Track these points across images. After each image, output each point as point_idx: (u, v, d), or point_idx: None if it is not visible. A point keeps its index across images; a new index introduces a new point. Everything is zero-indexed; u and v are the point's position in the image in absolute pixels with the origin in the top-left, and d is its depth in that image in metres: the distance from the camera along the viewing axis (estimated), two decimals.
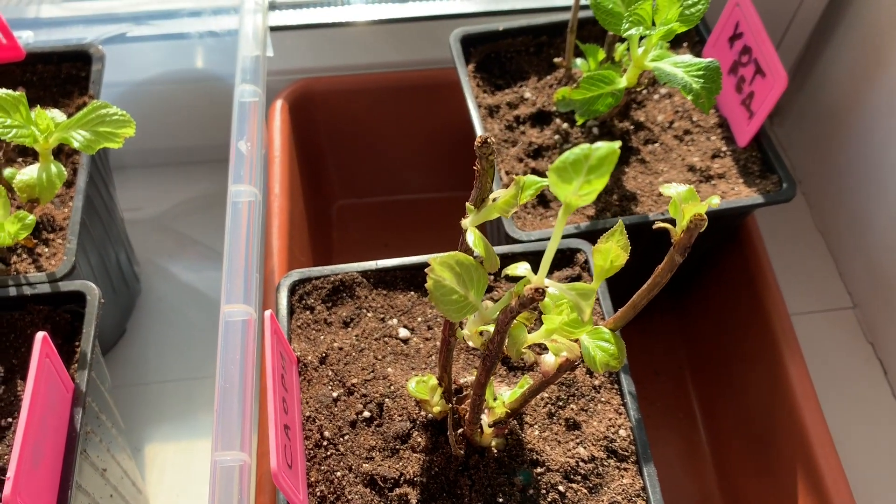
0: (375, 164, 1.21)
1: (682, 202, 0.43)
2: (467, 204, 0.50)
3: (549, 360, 0.57)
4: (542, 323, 0.54)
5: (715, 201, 0.45)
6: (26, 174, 0.71)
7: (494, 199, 0.48)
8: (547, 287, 0.42)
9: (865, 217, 1.11)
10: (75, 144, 0.71)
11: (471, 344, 0.53)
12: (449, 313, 0.46)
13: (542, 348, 0.71)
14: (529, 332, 0.52)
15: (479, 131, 0.91)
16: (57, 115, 0.73)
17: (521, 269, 0.44)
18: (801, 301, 1.14)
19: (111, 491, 0.81)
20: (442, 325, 0.72)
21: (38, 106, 0.70)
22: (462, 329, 0.62)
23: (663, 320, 1.12)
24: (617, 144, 0.36)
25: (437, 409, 0.68)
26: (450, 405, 0.66)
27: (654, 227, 0.51)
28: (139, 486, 0.94)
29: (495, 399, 0.67)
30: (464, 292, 0.46)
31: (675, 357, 1.10)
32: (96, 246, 0.93)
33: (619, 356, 0.51)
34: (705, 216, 0.43)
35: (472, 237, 0.47)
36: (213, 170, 1.24)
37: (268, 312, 0.67)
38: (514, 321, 0.49)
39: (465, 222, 0.49)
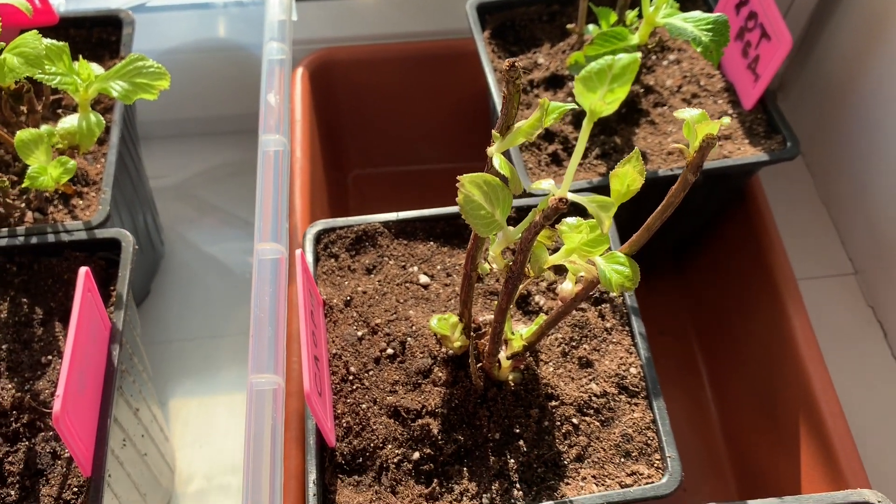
0: (392, 133, 1.25)
1: (694, 123, 0.47)
2: (493, 131, 0.53)
3: (568, 287, 0.61)
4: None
5: (726, 121, 0.48)
6: (67, 122, 0.75)
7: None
8: (569, 198, 0.46)
9: (867, 186, 1.14)
10: (114, 94, 0.74)
11: (495, 267, 0.57)
12: (478, 227, 0.50)
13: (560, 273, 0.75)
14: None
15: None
16: (95, 68, 0.77)
17: (545, 184, 0.47)
18: (804, 267, 1.17)
19: (143, 431, 0.85)
20: (462, 271, 0.76)
21: (81, 56, 0.74)
22: (484, 262, 0.65)
23: (668, 282, 1.16)
24: (638, 55, 0.40)
25: (457, 344, 0.72)
26: (470, 340, 0.70)
27: (670, 147, 0.55)
28: (166, 434, 0.97)
29: (513, 334, 0.70)
30: (490, 209, 0.50)
31: (680, 318, 1.13)
32: (126, 203, 0.97)
33: (634, 278, 0.55)
34: (716, 135, 0.47)
35: (499, 161, 0.51)
36: (237, 140, 1.28)
37: (298, 251, 0.70)
38: (536, 241, 0.52)
39: (491, 149, 0.53)
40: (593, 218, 0.53)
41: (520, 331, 0.71)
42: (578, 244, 0.53)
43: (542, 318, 0.70)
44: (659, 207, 0.53)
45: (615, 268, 0.55)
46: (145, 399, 0.86)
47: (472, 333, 0.71)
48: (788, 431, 0.91)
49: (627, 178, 0.51)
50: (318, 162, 1.09)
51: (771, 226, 0.97)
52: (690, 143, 0.47)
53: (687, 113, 0.47)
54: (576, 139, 0.93)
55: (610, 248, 0.56)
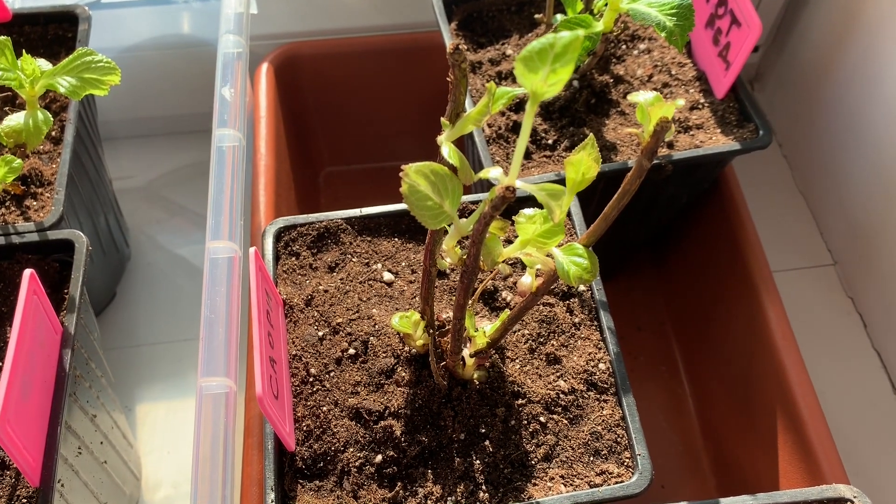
0: (363, 130, 1.22)
1: (648, 106, 0.45)
2: (442, 119, 0.51)
3: (526, 282, 0.59)
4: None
5: (680, 103, 0.46)
6: (13, 120, 0.72)
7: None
8: (517, 186, 0.44)
9: (844, 176, 1.13)
10: (61, 90, 0.72)
11: (448, 262, 0.55)
12: (424, 219, 0.47)
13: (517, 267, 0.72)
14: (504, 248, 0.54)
15: (479, 145, 0.92)
16: (43, 63, 0.74)
17: (493, 172, 0.45)
18: (783, 259, 1.16)
19: (101, 438, 0.82)
20: None
21: (24, 51, 0.72)
22: (443, 258, 0.63)
23: (645, 276, 1.14)
24: (580, 32, 0.37)
25: (419, 342, 0.70)
26: (431, 337, 0.68)
27: (624, 131, 0.53)
28: (130, 440, 0.95)
29: (476, 330, 0.68)
30: (439, 200, 0.48)
31: (657, 312, 1.12)
32: (85, 204, 0.94)
33: (592, 270, 0.53)
34: (670, 119, 0.45)
35: (448, 150, 0.49)
36: (204, 139, 1.24)
37: (252, 249, 0.68)
38: (489, 233, 0.50)
39: (441, 138, 0.51)
40: None
41: (484, 327, 0.68)
42: (533, 235, 0.51)
43: (506, 314, 0.68)
44: (615, 196, 0.50)
45: (574, 259, 0.53)
46: (104, 405, 0.84)
47: (434, 331, 0.68)
48: (766, 426, 0.90)
49: (582, 165, 0.48)
50: (284, 159, 1.07)
51: (745, 216, 0.95)
52: (645, 127, 0.45)
53: (641, 96, 0.45)
54: (545, 131, 0.91)
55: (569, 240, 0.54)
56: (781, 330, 0.87)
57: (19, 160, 0.72)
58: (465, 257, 0.53)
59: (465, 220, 0.51)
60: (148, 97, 1.19)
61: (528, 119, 0.41)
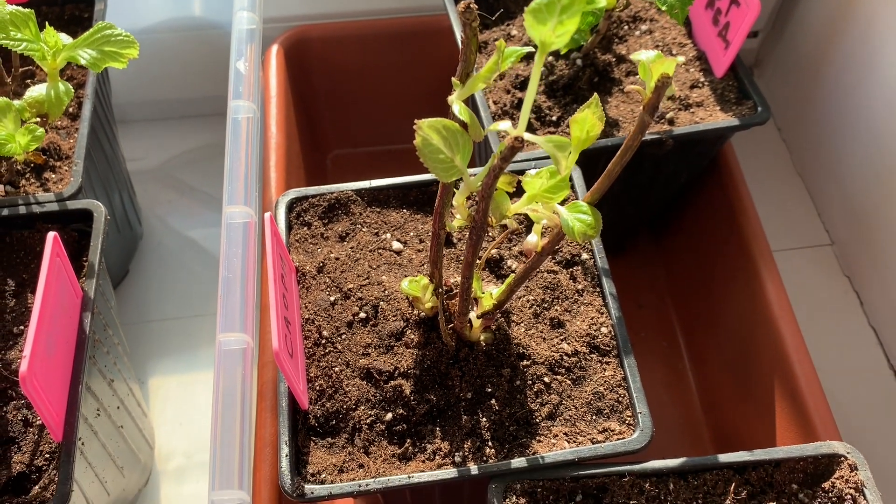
0: (370, 112, 1.25)
1: (650, 64, 0.47)
2: (453, 79, 0.54)
3: (532, 241, 0.61)
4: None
5: (680, 59, 0.49)
6: (35, 91, 0.75)
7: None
8: (525, 137, 0.46)
9: (842, 159, 1.15)
10: (82, 61, 0.74)
11: (457, 222, 0.57)
12: (437, 171, 0.50)
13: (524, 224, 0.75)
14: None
15: (482, 112, 0.95)
16: (64, 38, 0.77)
17: (502, 125, 0.47)
18: (781, 239, 1.18)
19: (118, 403, 0.85)
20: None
21: (47, 24, 0.74)
22: (452, 220, 0.66)
23: (646, 255, 1.17)
24: None
25: (428, 305, 0.72)
26: (440, 299, 0.70)
27: (626, 89, 0.55)
28: (144, 410, 0.97)
29: (483, 293, 0.71)
30: (450, 154, 0.50)
31: (658, 290, 1.14)
32: (101, 180, 0.97)
33: (596, 226, 0.55)
34: (671, 75, 0.47)
35: (458, 108, 0.51)
36: (216, 122, 1.28)
37: (267, 214, 0.70)
38: (497, 188, 0.53)
39: (452, 97, 0.53)
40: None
41: (490, 291, 0.71)
42: (539, 190, 0.54)
43: (512, 277, 0.71)
44: (618, 152, 0.53)
45: (578, 217, 0.55)
46: (121, 372, 0.86)
47: (442, 293, 0.71)
48: (764, 397, 0.92)
49: (587, 123, 0.51)
50: (294, 139, 1.09)
51: (744, 193, 0.98)
52: (647, 84, 0.47)
53: (643, 55, 0.48)
54: (549, 108, 0.93)
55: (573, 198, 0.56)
56: (779, 302, 0.89)
57: (41, 129, 0.75)
58: (474, 213, 0.55)
59: (474, 176, 0.54)
60: (161, 79, 1.22)
61: (537, 69, 0.44)
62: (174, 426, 1.04)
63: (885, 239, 1.07)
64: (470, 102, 0.95)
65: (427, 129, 0.48)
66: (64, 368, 0.70)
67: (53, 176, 0.87)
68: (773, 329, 0.89)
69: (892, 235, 1.05)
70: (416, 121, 0.48)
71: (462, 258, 0.80)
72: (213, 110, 1.28)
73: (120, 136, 1.10)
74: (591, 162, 0.84)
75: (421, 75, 1.20)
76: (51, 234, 0.68)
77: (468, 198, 0.58)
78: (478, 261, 0.77)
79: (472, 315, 0.72)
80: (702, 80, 0.96)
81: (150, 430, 0.99)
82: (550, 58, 0.96)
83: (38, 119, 0.77)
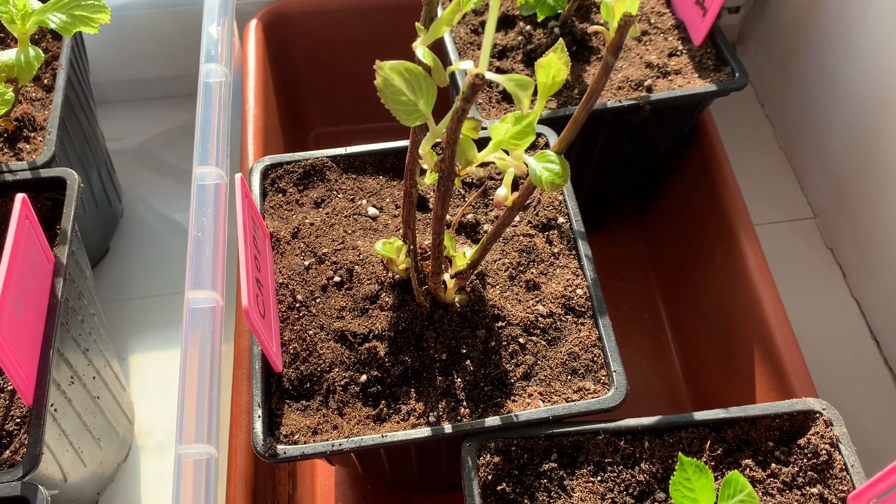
0: (353, 90, 1.24)
1: (613, 4, 0.47)
2: (417, 24, 0.53)
3: (502, 193, 0.61)
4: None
5: None
6: (4, 56, 0.74)
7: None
8: (486, 76, 0.46)
9: (824, 133, 1.15)
10: (52, 25, 0.74)
11: (425, 167, 0.57)
12: (399, 114, 0.49)
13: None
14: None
15: (452, 55, 0.95)
16: (34, 3, 0.76)
17: (464, 64, 0.47)
18: (765, 213, 1.18)
19: (94, 373, 0.84)
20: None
21: None
22: (422, 177, 0.65)
23: (628, 230, 1.16)
24: None
25: (402, 266, 0.72)
26: (413, 259, 0.70)
27: (590, 30, 0.54)
28: (123, 384, 0.97)
29: (456, 253, 0.70)
30: (413, 98, 0.50)
31: (641, 264, 1.14)
32: (78, 155, 0.96)
33: (564, 175, 0.55)
34: (634, 14, 0.47)
35: (422, 52, 0.51)
36: (194, 102, 1.27)
37: (238, 175, 0.70)
38: (462, 135, 0.52)
39: (416, 43, 0.53)
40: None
41: (465, 251, 0.71)
42: (505, 137, 0.53)
43: (486, 235, 0.70)
44: (584, 97, 0.52)
45: (546, 166, 0.55)
46: (97, 342, 0.86)
47: (416, 255, 0.70)
48: (745, 366, 0.92)
49: (552, 67, 0.50)
50: (273, 115, 1.09)
51: (725, 164, 0.97)
52: (610, 25, 0.47)
53: None
54: (528, 76, 0.93)
55: (546, 148, 0.56)
56: (759, 268, 0.89)
57: (11, 93, 0.74)
58: (440, 163, 0.55)
59: (440, 124, 0.54)
60: (139, 58, 1.21)
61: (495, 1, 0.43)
62: (154, 402, 1.03)
63: (867, 211, 1.07)
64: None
65: (388, 71, 0.48)
66: (34, 332, 0.70)
67: (27, 146, 0.86)
68: (752, 295, 0.89)
69: (873, 207, 1.05)
70: (377, 61, 0.47)
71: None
72: (192, 90, 1.27)
73: (100, 116, 1.10)
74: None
75: (403, 51, 1.19)
76: (19, 196, 0.68)
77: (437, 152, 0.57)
78: (450, 219, 0.77)
79: (446, 276, 0.71)
80: (680, 48, 0.95)
81: (129, 404, 0.99)
82: (528, 27, 0.96)
83: (9, 84, 0.76)
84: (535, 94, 0.55)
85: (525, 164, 0.54)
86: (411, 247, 0.67)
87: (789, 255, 1.15)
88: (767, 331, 0.86)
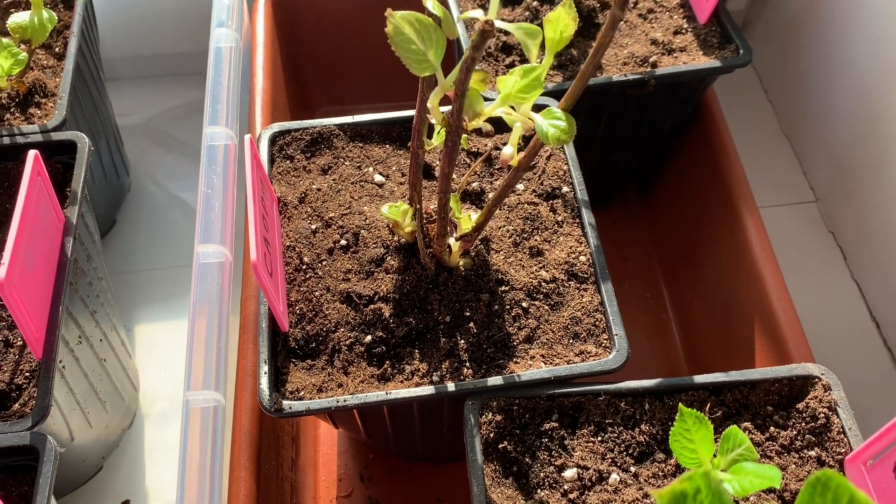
0: (360, 69, 1.25)
1: None
2: None
3: (508, 151, 0.62)
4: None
5: None
6: (19, 17, 0.75)
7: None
8: (496, 22, 0.46)
9: (826, 118, 1.16)
10: None
11: (433, 122, 0.58)
12: (409, 63, 0.50)
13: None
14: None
15: (454, 11, 0.96)
16: None
17: (473, 13, 0.48)
18: (767, 196, 1.19)
19: (101, 336, 0.85)
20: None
21: None
22: (428, 140, 0.66)
23: (630, 209, 1.17)
24: None
25: (408, 230, 0.73)
26: (419, 222, 0.70)
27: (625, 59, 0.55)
28: (129, 351, 0.98)
29: (462, 216, 0.71)
30: (423, 48, 0.50)
31: (643, 243, 1.15)
32: (88, 124, 0.97)
33: (570, 131, 0.56)
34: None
35: (431, 3, 0.52)
36: (202, 81, 1.28)
37: (247, 136, 0.71)
38: (471, 88, 0.53)
39: None
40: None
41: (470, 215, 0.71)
42: (513, 90, 0.54)
43: (491, 198, 0.71)
44: (591, 52, 0.53)
45: (552, 122, 0.56)
46: (104, 306, 0.87)
47: (422, 218, 0.71)
48: (746, 343, 0.92)
49: (560, 22, 0.51)
50: (281, 91, 1.10)
51: (728, 141, 0.98)
52: None
53: None
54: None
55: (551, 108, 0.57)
56: (760, 241, 0.89)
57: (25, 53, 0.75)
58: (448, 116, 0.55)
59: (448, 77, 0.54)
60: (149, 34, 1.22)
61: None
62: (159, 371, 1.04)
63: (869, 194, 1.07)
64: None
65: (399, 19, 0.48)
66: (44, 288, 0.70)
67: (38, 112, 0.87)
68: (753, 270, 0.89)
69: (874, 191, 1.06)
70: (388, 10, 0.48)
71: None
72: (202, 68, 1.28)
73: (109, 92, 1.11)
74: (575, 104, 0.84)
75: None
76: (32, 152, 0.69)
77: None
78: (455, 186, 0.78)
79: (451, 240, 0.72)
80: (685, 26, 0.96)
81: (134, 372, 1.00)
82: (535, 3, 0.97)
83: (22, 45, 0.77)
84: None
85: (532, 120, 0.54)
86: (418, 207, 0.68)
87: (791, 238, 1.16)
88: (768, 306, 0.87)
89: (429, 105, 0.56)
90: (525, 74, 0.53)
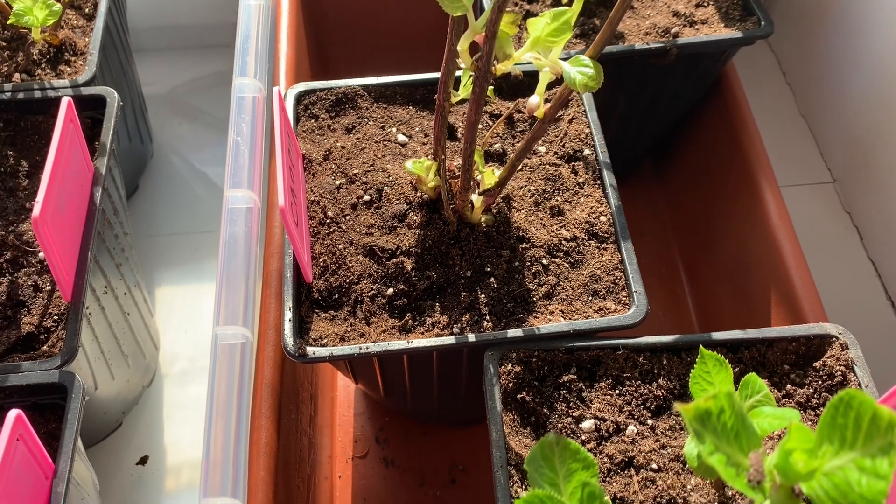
0: (383, 42, 1.26)
1: None
2: None
3: (534, 101, 0.63)
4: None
5: None
6: None
7: None
8: None
9: (844, 100, 1.16)
10: None
11: (462, 65, 0.59)
12: (443, 2, 0.51)
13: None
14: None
15: None
16: None
17: None
18: (785, 176, 1.19)
19: (125, 289, 0.86)
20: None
21: None
22: (454, 93, 0.67)
23: (648, 184, 1.18)
24: None
25: (431, 185, 0.74)
26: (442, 177, 0.71)
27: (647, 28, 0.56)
28: (150, 309, 0.99)
29: (485, 170, 0.72)
30: None
31: (659, 218, 1.15)
32: (114, 83, 0.98)
33: (598, 78, 0.56)
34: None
35: None
36: (227, 53, 1.30)
37: (276, 88, 0.72)
38: (500, 31, 0.54)
39: None
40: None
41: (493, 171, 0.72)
42: (543, 34, 0.55)
43: (515, 153, 0.72)
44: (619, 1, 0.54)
45: (580, 69, 0.57)
46: (129, 261, 0.88)
47: (445, 173, 0.72)
48: (762, 317, 0.93)
49: None
50: (304, 60, 1.11)
51: (747, 113, 0.98)
52: None
53: None
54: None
55: (580, 53, 0.58)
56: (778, 211, 0.90)
57: (59, 5, 0.77)
58: (477, 60, 0.56)
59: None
60: (174, 6, 1.24)
61: None
62: (179, 333, 1.05)
63: (886, 175, 1.08)
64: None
65: None
66: (74, 233, 0.72)
67: (68, 69, 0.89)
68: (770, 240, 0.90)
69: (891, 172, 1.06)
70: None
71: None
72: (227, 40, 1.29)
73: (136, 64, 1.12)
74: None
75: (434, 6, 1.21)
76: (65, 99, 0.70)
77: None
78: (478, 147, 0.79)
79: (474, 196, 0.73)
80: None
81: (155, 331, 1.01)
82: None
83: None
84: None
85: (560, 66, 0.55)
86: (442, 157, 0.69)
87: (807, 218, 1.16)
88: (786, 279, 0.87)
89: (458, 48, 0.57)
90: (555, 18, 0.54)
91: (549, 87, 0.70)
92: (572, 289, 0.73)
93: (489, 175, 0.71)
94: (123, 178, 1.12)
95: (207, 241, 1.13)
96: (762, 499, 0.40)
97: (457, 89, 0.68)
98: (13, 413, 0.54)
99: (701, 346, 0.55)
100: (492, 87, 0.80)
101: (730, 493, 0.61)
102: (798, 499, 0.42)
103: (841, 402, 0.39)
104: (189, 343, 1.04)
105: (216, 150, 1.23)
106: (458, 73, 0.66)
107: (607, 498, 0.51)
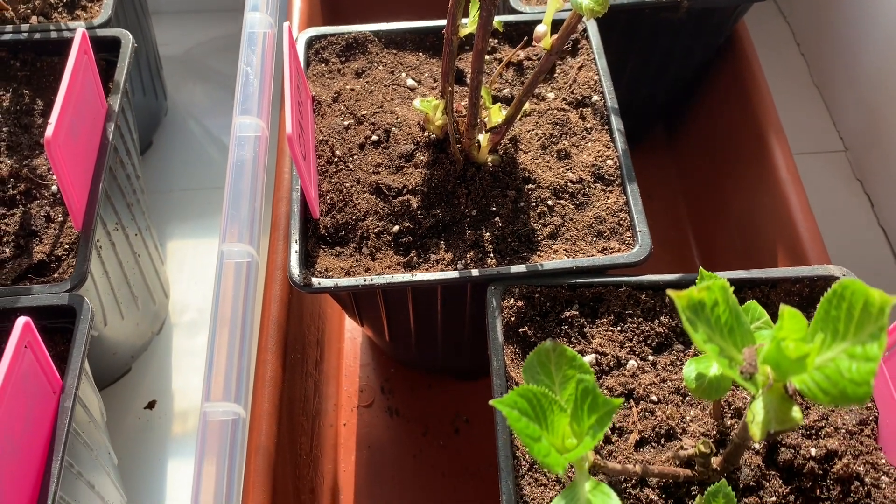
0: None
1: None
2: None
3: (541, 29, 0.63)
4: None
5: None
6: None
7: None
8: None
9: (858, 70, 1.16)
10: None
11: (469, 22, 0.59)
12: None
13: None
14: None
15: None
16: None
17: None
18: (797, 144, 1.18)
19: (136, 231, 0.88)
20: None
21: None
22: (462, 25, 0.68)
23: (658, 148, 1.18)
24: None
25: (438, 123, 0.74)
26: (449, 115, 0.72)
27: None
28: (161, 258, 1.00)
29: (492, 107, 0.72)
30: None
31: (668, 181, 1.15)
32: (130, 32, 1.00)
33: (604, 2, 0.57)
34: None
35: None
36: (241, 17, 1.31)
37: (286, 23, 0.73)
38: None
39: None
40: None
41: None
42: None
43: (522, 89, 0.72)
44: None
45: None
46: (140, 203, 0.89)
47: (452, 108, 0.73)
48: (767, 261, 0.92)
49: None
50: (316, 6, 1.12)
51: (758, 71, 0.98)
52: None
53: None
54: None
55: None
56: (787, 165, 0.90)
57: None
58: None
59: None
60: None
61: None
62: (189, 284, 1.07)
63: None
64: None
65: None
66: (87, 163, 0.73)
67: (84, 14, 0.90)
68: (782, 207, 0.89)
69: None
70: None
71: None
72: (240, 5, 1.30)
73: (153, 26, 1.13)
74: (607, 24, 0.84)
75: None
76: (80, 30, 0.71)
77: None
78: (485, 84, 0.79)
79: (481, 136, 0.74)
80: None
81: (166, 280, 1.02)
82: None
83: None
84: None
85: None
86: (450, 90, 0.69)
87: (819, 185, 1.16)
88: (797, 241, 0.87)
89: None
90: None
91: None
92: (577, 229, 0.73)
93: (496, 112, 0.72)
94: (138, 131, 1.13)
95: (219, 197, 1.14)
96: (755, 389, 0.40)
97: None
98: (21, 320, 0.55)
99: (700, 267, 0.55)
100: (499, 20, 0.80)
101: (728, 423, 0.61)
102: (791, 399, 0.43)
103: (834, 295, 0.39)
104: (199, 294, 1.06)
105: (230, 112, 1.24)
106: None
107: (603, 391, 0.51)
